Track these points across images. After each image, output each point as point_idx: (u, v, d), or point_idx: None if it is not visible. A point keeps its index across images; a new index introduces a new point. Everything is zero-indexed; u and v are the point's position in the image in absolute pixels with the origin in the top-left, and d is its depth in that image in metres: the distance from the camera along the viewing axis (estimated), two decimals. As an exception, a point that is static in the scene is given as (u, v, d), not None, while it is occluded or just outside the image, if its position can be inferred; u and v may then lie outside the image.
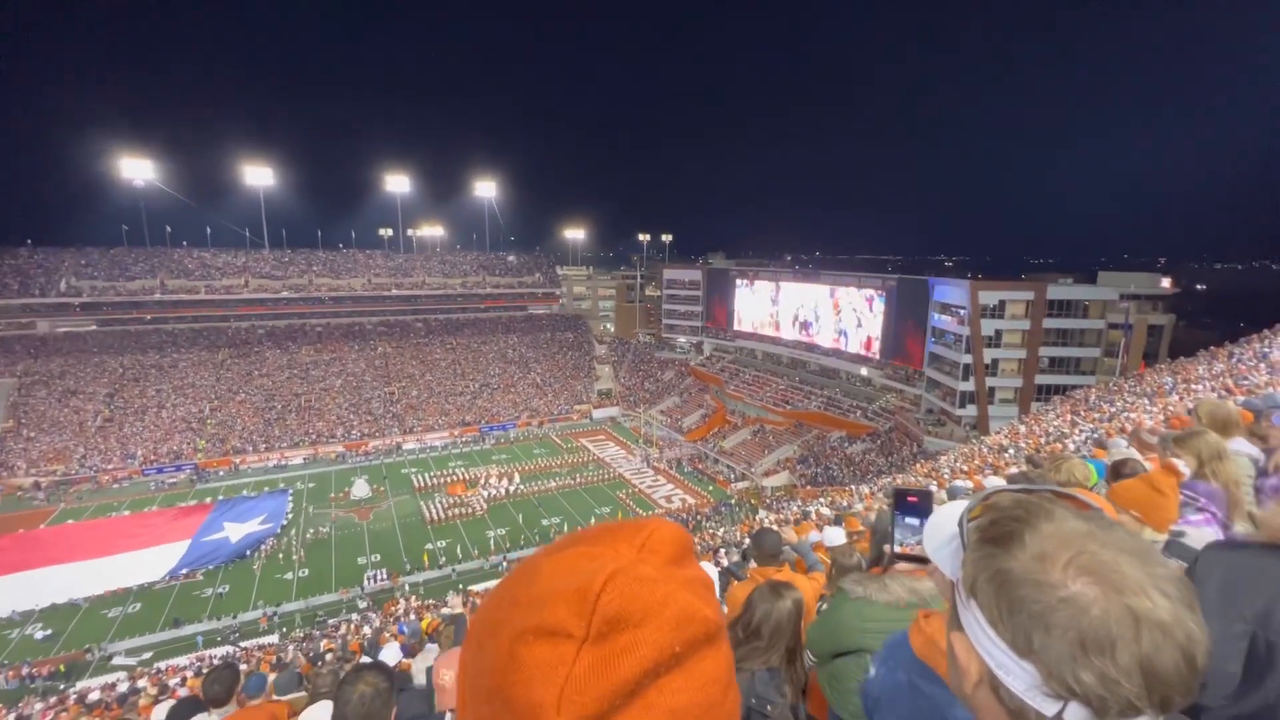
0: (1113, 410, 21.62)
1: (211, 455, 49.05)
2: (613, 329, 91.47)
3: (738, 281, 67.56)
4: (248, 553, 34.40)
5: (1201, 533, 2.38)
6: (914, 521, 1.40)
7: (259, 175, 68.48)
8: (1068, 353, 42.10)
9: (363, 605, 29.08)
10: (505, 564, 33.92)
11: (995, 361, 42.49)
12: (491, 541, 36.57)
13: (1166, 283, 43.23)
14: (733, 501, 43.14)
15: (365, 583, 31.92)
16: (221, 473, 47.73)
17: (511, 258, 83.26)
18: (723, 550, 15.81)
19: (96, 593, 30.60)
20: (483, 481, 44.50)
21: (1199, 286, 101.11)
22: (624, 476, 47.61)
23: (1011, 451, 18.68)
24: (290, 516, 39.01)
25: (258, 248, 70.42)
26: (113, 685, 21.56)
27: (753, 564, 3.80)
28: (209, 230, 70.70)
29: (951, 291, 44.66)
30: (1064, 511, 0.74)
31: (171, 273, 62.97)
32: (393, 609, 26.09)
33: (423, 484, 44.51)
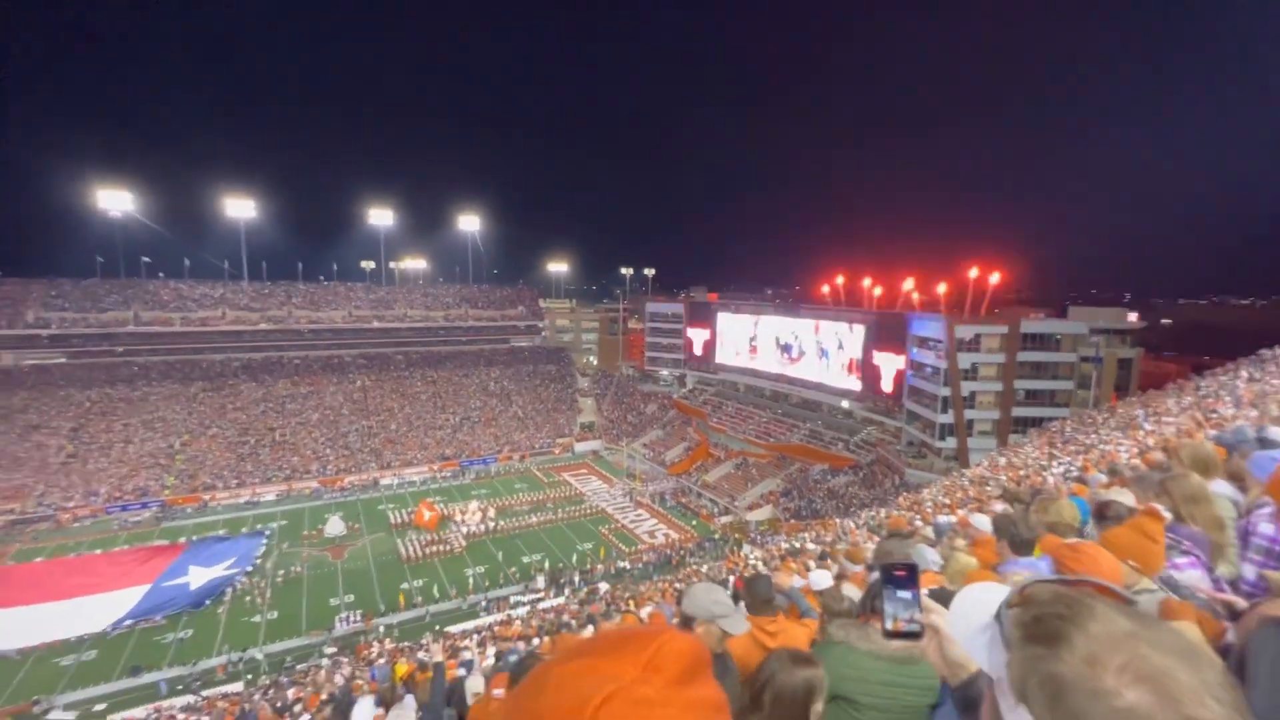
0: (1088, 442, 21.99)
1: (180, 492, 47.41)
2: (596, 362, 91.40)
3: (719, 315, 68.26)
4: (206, 602, 32.43)
5: (1188, 575, 2.39)
6: (905, 595, 1.37)
7: (240, 207, 68.12)
8: (1042, 385, 42.97)
9: (330, 650, 27.82)
10: (485, 604, 32.95)
11: (973, 394, 43.19)
12: (470, 580, 35.57)
13: (1133, 317, 44.60)
14: (716, 536, 42.67)
15: (337, 624, 30.70)
16: (189, 510, 46.08)
17: (494, 290, 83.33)
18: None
19: (32, 644, 28.49)
20: (458, 517, 43.40)
21: (1164, 321, 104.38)
22: (606, 511, 46.93)
23: (992, 484, 18.83)
24: (259, 560, 37.17)
25: (237, 280, 69.61)
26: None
27: (745, 612, 3.71)
28: (187, 262, 69.60)
29: (928, 325, 45.57)
30: (1107, 609, 0.71)
31: (146, 304, 61.85)
32: (365, 652, 25.07)
33: (399, 520, 43.40)
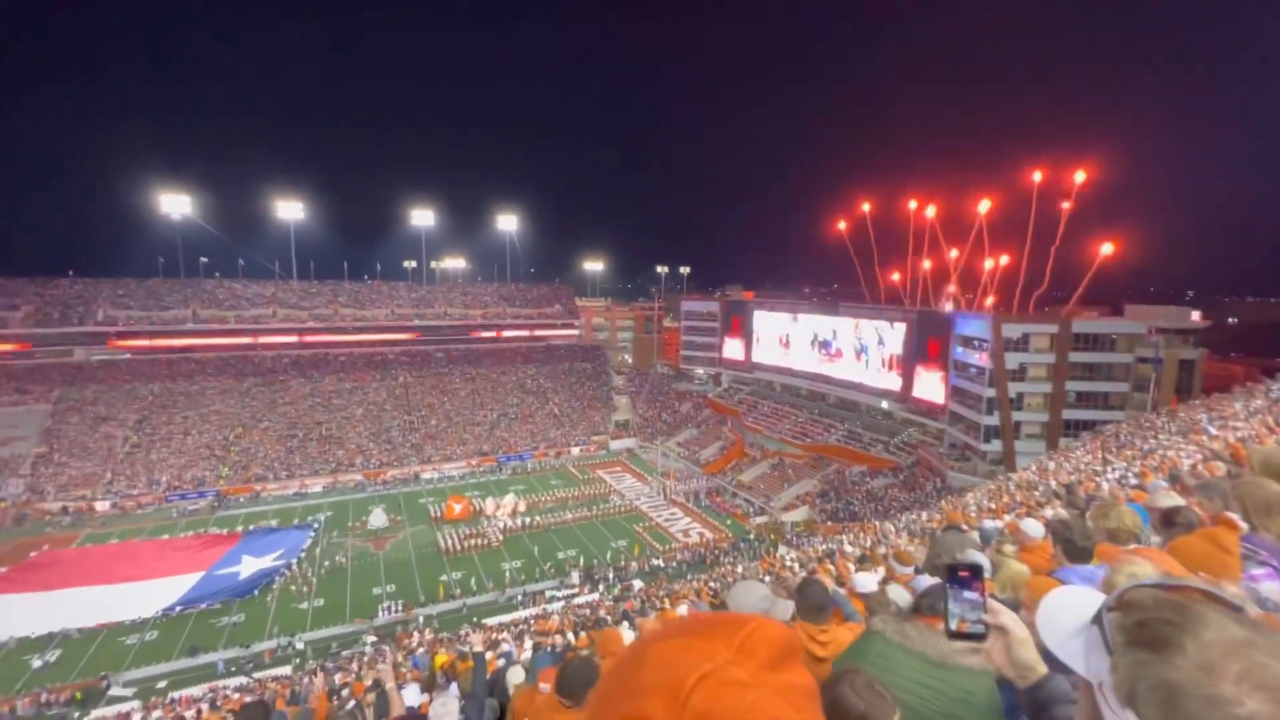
0: (1146, 448, 20.98)
1: (233, 482, 49.61)
2: (630, 360, 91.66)
3: (756, 313, 67.58)
4: (254, 591, 33.52)
5: (1267, 587, 2.28)
6: (971, 596, 1.35)
7: (290, 209, 70.78)
8: (1096, 387, 41.15)
9: (371, 640, 28.73)
10: (520, 598, 33.46)
11: (1020, 395, 41.66)
12: (507, 574, 36.18)
13: (1197, 316, 42.24)
14: (751, 537, 42.32)
15: (380, 613, 31.67)
16: (242, 500, 48.18)
17: (531, 289, 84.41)
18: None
19: (89, 625, 30.08)
20: (489, 510, 44.32)
21: (1231, 320, 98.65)
22: (641, 509, 47.06)
23: (1041, 489, 18.15)
24: (305, 551, 38.47)
25: (286, 279, 72.34)
26: (127, 715, 21.49)
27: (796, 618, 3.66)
28: (241, 262, 72.81)
29: (973, 324, 44.16)
30: (1218, 615, 0.71)
31: (203, 303, 64.84)
32: (406, 641, 25.81)
33: (439, 514, 44.43)
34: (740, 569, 28.18)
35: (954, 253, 52.24)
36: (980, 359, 42.64)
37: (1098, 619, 0.82)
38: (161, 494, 47.22)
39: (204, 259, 71.99)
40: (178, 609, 31.78)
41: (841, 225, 63.18)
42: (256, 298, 67.98)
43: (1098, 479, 15.76)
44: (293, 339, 66.93)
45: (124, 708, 23.36)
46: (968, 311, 48.03)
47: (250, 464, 51.93)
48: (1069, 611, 0.92)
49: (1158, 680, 0.68)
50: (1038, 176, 47.49)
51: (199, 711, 18.76)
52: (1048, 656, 1.12)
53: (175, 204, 66.27)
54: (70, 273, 63.40)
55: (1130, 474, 15.09)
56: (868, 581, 4.24)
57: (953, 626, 1.32)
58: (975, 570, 1.34)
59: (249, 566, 35.71)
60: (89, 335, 59.11)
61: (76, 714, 23.99)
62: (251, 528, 41.90)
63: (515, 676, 6.11)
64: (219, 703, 20.06)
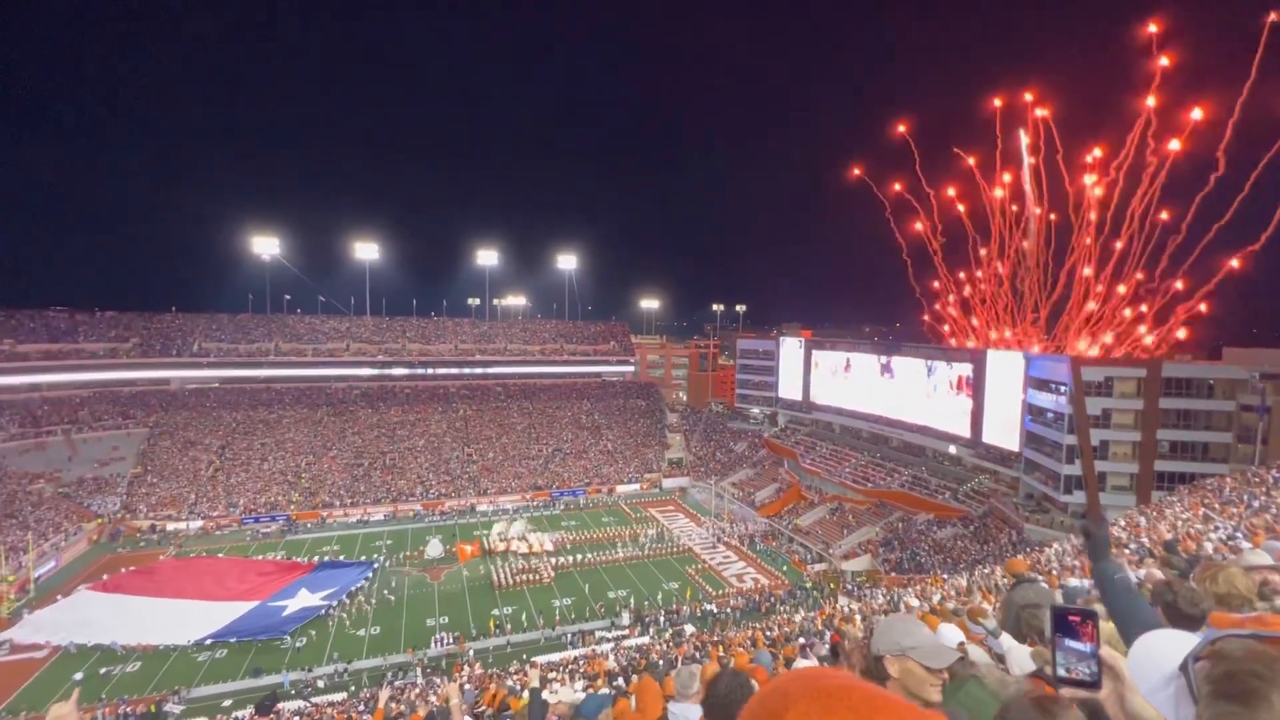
0: (1256, 504, 19.01)
1: (303, 508, 51.89)
2: (685, 397, 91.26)
3: (814, 352, 66.25)
4: (286, 634, 32.42)
5: None
6: (1078, 646, 1.27)
7: (367, 250, 75.57)
8: (1192, 436, 37.79)
9: (418, 670, 29.04)
10: (570, 637, 33.01)
11: (1105, 444, 38.72)
12: (557, 611, 35.90)
13: (1309, 361, 38.44)
14: (809, 585, 40.54)
15: (433, 645, 31.94)
16: (310, 525, 50.23)
17: (588, 326, 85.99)
18: (800, 639, 14.75)
19: (131, 644, 31.13)
20: (499, 547, 44.00)
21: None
22: (693, 550, 46.04)
23: (1132, 547, 16.66)
24: (356, 590, 37.68)
25: (360, 315, 76.66)
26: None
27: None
28: (321, 299, 77.97)
29: (1049, 367, 41.72)
30: None
31: (285, 337, 69.37)
32: (458, 673, 25.85)
33: (493, 547, 44.84)
34: (798, 618, 26.94)
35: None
36: (1057, 402, 40.07)
37: (1184, 667, 0.81)
38: (238, 516, 49.87)
39: (287, 296, 77.38)
40: (208, 641, 31.62)
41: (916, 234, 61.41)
42: (332, 332, 72.20)
43: (1200, 538, 14.38)
44: (363, 371, 70.44)
45: (192, 724, 24.28)
46: (1043, 354, 45.48)
47: (319, 491, 54.28)
48: (1159, 657, 0.90)
49: None
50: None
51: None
52: None
53: (265, 245, 71.93)
54: (173, 308, 69.41)
55: (1238, 533, 13.70)
56: (953, 634, 3.96)
57: (1061, 673, 1.24)
58: (1086, 615, 1.27)
59: (299, 602, 35.40)
60: (186, 364, 64.09)
61: (150, 727, 25.07)
62: (325, 558, 42.57)
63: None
64: (279, 725, 20.56)
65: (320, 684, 28.59)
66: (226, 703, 27.05)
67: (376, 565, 41.44)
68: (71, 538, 43.63)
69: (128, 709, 26.15)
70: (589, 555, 43.67)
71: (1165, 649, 0.90)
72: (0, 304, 60.02)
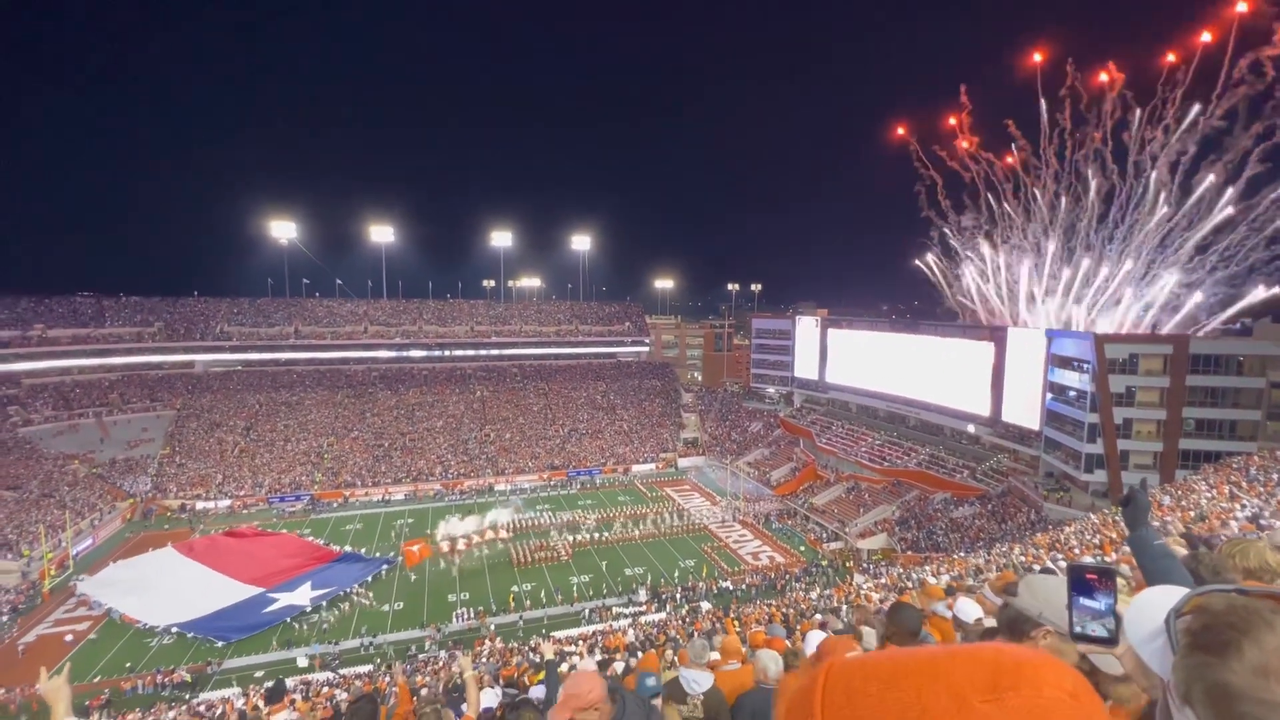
0: (1284, 484, 18.67)
1: (325, 487, 53.07)
2: (700, 377, 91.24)
3: (830, 331, 65.69)
4: (252, 632, 31.51)
5: None
6: (1094, 604, 1.28)
7: (382, 233, 75.98)
8: (1219, 414, 37.00)
9: (436, 646, 29.87)
10: (588, 613, 33.60)
11: (1128, 422, 38.09)
12: (575, 588, 36.53)
13: (1344, 336, 37.29)
14: (824, 563, 40.75)
15: (454, 620, 32.75)
16: (334, 504, 51.39)
17: (602, 306, 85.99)
18: (817, 616, 14.88)
19: (155, 623, 31.82)
20: (445, 549, 40.68)
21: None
22: (709, 529, 46.42)
23: (1156, 525, 16.50)
24: (362, 584, 36.57)
25: (377, 298, 77.37)
26: (229, 700, 23.20)
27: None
28: (338, 282, 78.85)
29: (1072, 344, 40.97)
30: None
31: (304, 320, 70.32)
32: (479, 648, 26.53)
33: (439, 548, 44.60)
34: (814, 595, 27.15)
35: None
36: (1080, 380, 39.43)
37: (1167, 621, 0.85)
38: (264, 495, 51.16)
39: (305, 280, 78.28)
40: (174, 629, 31.45)
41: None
42: (350, 315, 73.02)
43: (1227, 515, 14.20)
44: (381, 353, 71.32)
45: (226, 693, 25.26)
46: (1065, 330, 44.66)
47: (341, 471, 55.41)
48: (1151, 612, 0.94)
49: (1212, 682, 0.70)
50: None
51: (292, 701, 19.99)
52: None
53: (283, 229, 72.61)
54: (195, 292, 70.62)
55: (1265, 512, 13.50)
56: (970, 609, 3.97)
57: (1076, 630, 1.26)
58: (1104, 574, 1.27)
59: (291, 598, 34.27)
60: (208, 348, 65.36)
61: (187, 696, 26.14)
62: (347, 549, 41.18)
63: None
64: (310, 694, 21.31)
65: (328, 661, 29.15)
66: (259, 673, 28.07)
67: (387, 564, 39.21)
68: (106, 516, 45.16)
69: (164, 679, 27.24)
70: (605, 534, 44.23)
71: (1157, 603, 0.92)
72: (30, 291, 61.62)
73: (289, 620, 32.77)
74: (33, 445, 49.96)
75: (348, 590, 35.59)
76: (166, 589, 34.23)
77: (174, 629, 31.60)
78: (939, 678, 0.58)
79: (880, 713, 0.59)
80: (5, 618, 32.90)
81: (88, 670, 28.53)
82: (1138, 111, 44.75)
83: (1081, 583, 1.29)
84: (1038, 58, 50.98)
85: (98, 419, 55.66)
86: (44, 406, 54.38)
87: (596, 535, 43.91)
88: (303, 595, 34.78)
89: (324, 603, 34.20)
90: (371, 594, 35.69)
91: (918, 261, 62.66)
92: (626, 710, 2.86)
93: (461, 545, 41.26)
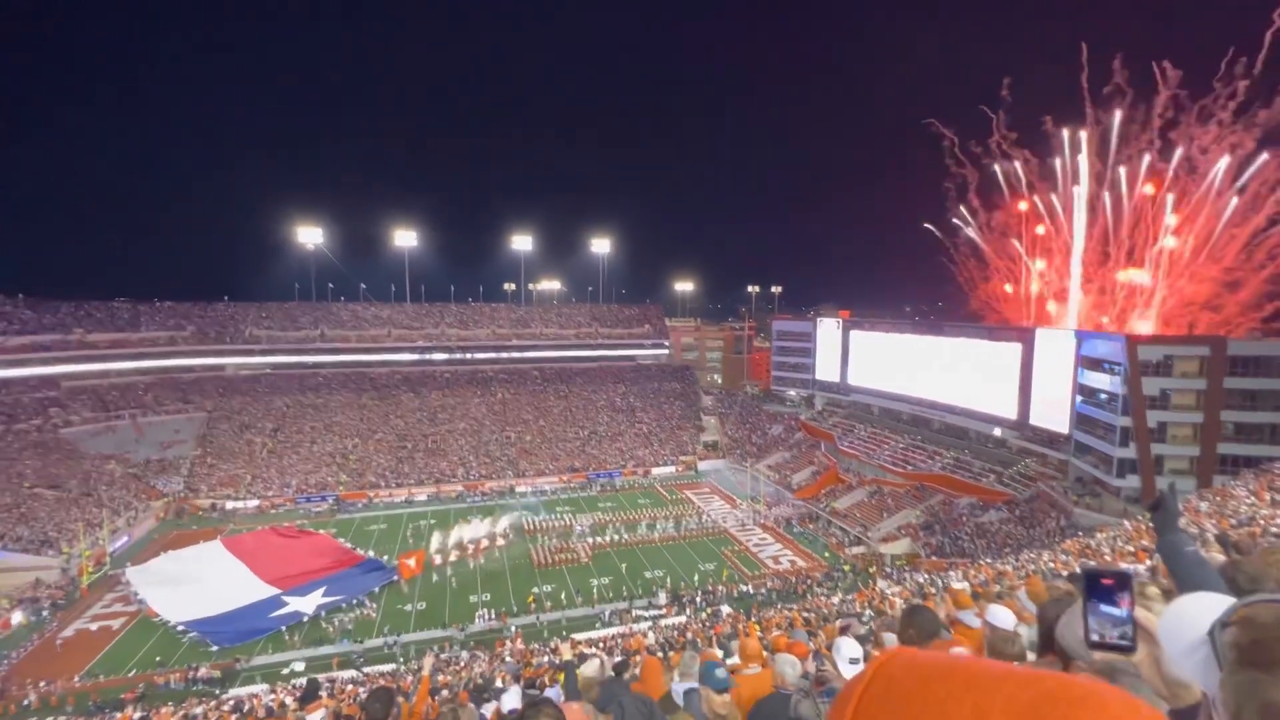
0: (1330, 490, 17.93)
1: (350, 488, 53.97)
2: (720, 380, 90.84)
3: (852, 333, 64.97)
4: (250, 638, 31.30)
5: None
6: (1111, 611, 1.24)
7: (405, 237, 77.14)
8: (1260, 418, 35.74)
9: (459, 646, 30.01)
10: (608, 615, 33.64)
11: (1162, 426, 36.99)
12: (595, 590, 36.58)
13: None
14: (846, 568, 40.23)
15: (476, 620, 33.03)
16: (359, 505, 52.22)
17: (622, 309, 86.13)
18: (840, 621, 14.70)
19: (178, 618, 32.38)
20: (436, 561, 39.25)
21: None
22: (729, 532, 46.16)
23: (1194, 532, 15.97)
24: (367, 596, 35.76)
25: (400, 301, 78.52)
26: (257, 695, 23.68)
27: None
28: (363, 286, 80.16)
29: (1103, 346, 39.96)
30: None
31: (330, 324, 71.64)
32: (500, 649, 26.73)
33: (531, 527, 45.83)
34: (836, 600, 26.83)
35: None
36: (1111, 382, 38.42)
37: (1211, 634, 0.81)
38: (291, 496, 52.20)
39: (331, 284, 79.75)
40: (180, 628, 31.89)
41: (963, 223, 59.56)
42: (374, 319, 74.20)
43: (1263, 523, 13.70)
44: (405, 356, 72.36)
45: (255, 689, 25.80)
46: (1095, 332, 43.58)
47: (365, 472, 56.31)
48: (1190, 621, 0.89)
49: (1266, 700, 0.66)
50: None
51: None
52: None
53: (309, 235, 74.12)
54: (225, 298, 72.41)
55: (1308, 519, 13.00)
56: (1004, 617, 3.87)
57: (1094, 638, 1.22)
58: (1121, 579, 1.24)
59: (300, 604, 33.96)
60: (238, 351, 66.91)
61: (217, 691, 26.76)
62: (370, 554, 40.40)
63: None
64: (335, 691, 21.65)
65: (350, 659, 29.50)
66: (286, 670, 28.63)
67: (395, 577, 37.78)
68: (141, 515, 46.50)
69: (194, 674, 27.92)
70: (625, 535, 44.25)
71: (1196, 613, 0.88)
72: (70, 296, 63.75)
73: (304, 620, 32.86)
74: (72, 446, 51.68)
75: (354, 601, 34.80)
76: (195, 583, 35.05)
77: (180, 626, 32.09)
78: (972, 689, 0.55)
79: (908, 710, 0.57)
80: (46, 612, 34.05)
81: (123, 664, 29.40)
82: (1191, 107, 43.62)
83: (1097, 588, 1.26)
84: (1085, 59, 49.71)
85: (133, 420, 57.36)
86: (82, 408, 56.21)
87: (616, 537, 43.95)
88: (311, 602, 34.10)
89: (323, 613, 33.49)
90: (376, 605, 34.74)
91: (944, 260, 61.68)
92: (625, 714, 2.87)
93: (454, 556, 40.22)
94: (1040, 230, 52.08)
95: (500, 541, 42.93)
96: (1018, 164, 53.31)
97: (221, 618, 32.56)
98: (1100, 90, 47.66)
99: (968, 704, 0.55)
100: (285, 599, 34.40)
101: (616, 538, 43.97)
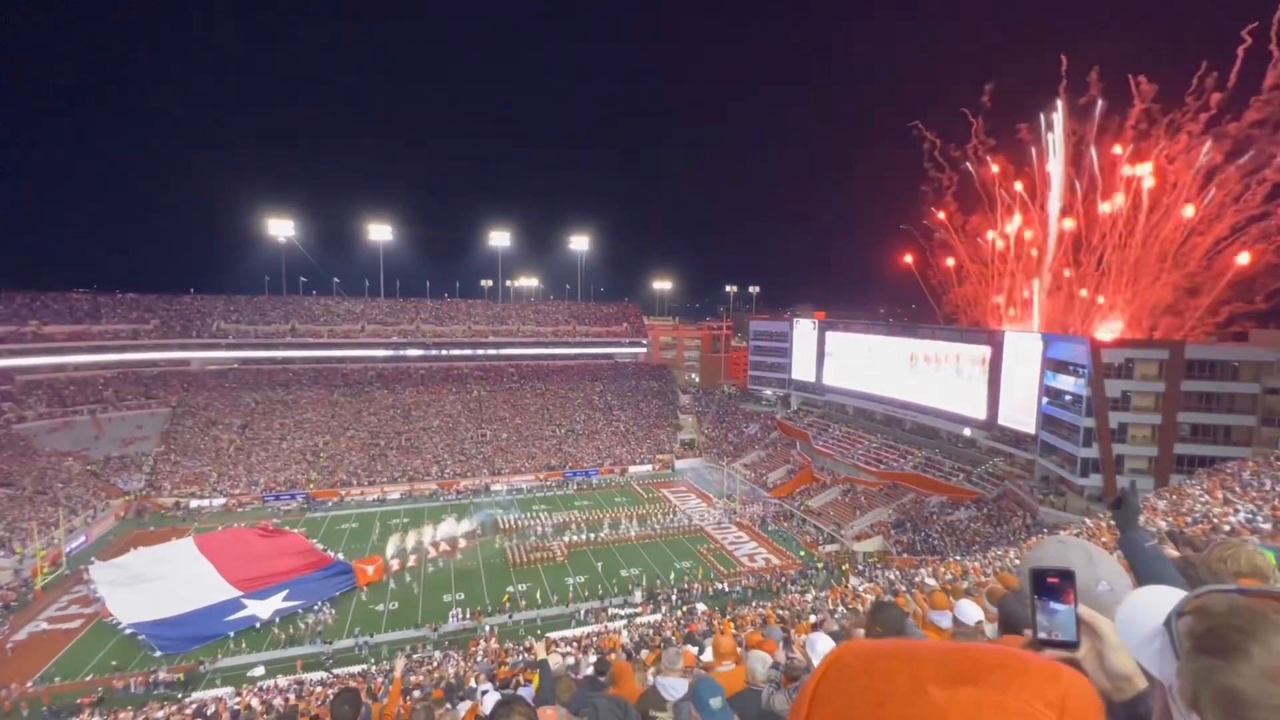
0: (1278, 489, 18.75)
1: (321, 486, 52.90)
2: (697, 379, 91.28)
3: (827, 334, 65.80)
4: (203, 641, 30.46)
5: None
6: (1058, 606, 1.27)
7: (380, 231, 75.87)
8: (1214, 419, 37.17)
9: (431, 646, 29.64)
10: (583, 614, 33.57)
11: (1124, 426, 38.23)
12: (570, 589, 36.47)
13: (1339, 343, 37.50)
14: (820, 565, 40.77)
15: (450, 620, 32.66)
16: (330, 503, 51.22)
17: (600, 307, 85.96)
18: (813, 617, 14.88)
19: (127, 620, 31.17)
20: (395, 567, 38.05)
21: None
22: (705, 531, 46.40)
23: (1151, 529, 16.53)
24: (325, 602, 34.46)
25: (374, 296, 77.22)
26: (221, 699, 23.10)
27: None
28: (336, 280, 78.69)
29: (1069, 348, 41.11)
30: None
31: (301, 318, 70.14)
32: (474, 648, 26.48)
33: (507, 525, 45.50)
34: (810, 597, 27.15)
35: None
36: (1076, 384, 39.57)
37: (1168, 623, 0.82)
38: (259, 494, 50.97)
39: (303, 278, 78.08)
40: (128, 630, 30.85)
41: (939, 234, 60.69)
42: (347, 314, 72.87)
43: (1216, 520, 14.26)
44: (378, 352, 71.16)
45: (219, 692, 25.14)
46: (1061, 334, 44.81)
47: (337, 469, 55.26)
48: (1146, 613, 0.91)
49: (1221, 686, 0.68)
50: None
51: (286, 700, 19.91)
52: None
53: (280, 227, 72.44)
54: (191, 290, 70.35)
55: (1259, 517, 13.56)
56: (971, 611, 3.94)
57: (1041, 635, 1.25)
58: (1065, 576, 1.27)
59: (260, 607, 32.88)
60: (204, 345, 65.10)
61: (179, 694, 26.01)
62: (340, 557, 38.76)
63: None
64: (303, 693, 21.23)
65: (318, 660, 28.96)
66: (254, 671, 27.95)
67: (350, 586, 36.50)
68: (100, 514, 44.93)
69: (157, 677, 27.09)
70: (602, 534, 44.20)
71: (1153, 604, 0.91)
72: (25, 287, 61.24)
73: (257, 626, 31.70)
74: (27, 442, 49.70)
75: (314, 606, 33.62)
76: (157, 581, 33.85)
77: (128, 629, 30.87)
78: (910, 662, 0.60)
79: (854, 692, 0.61)
80: (-3, 615, 32.73)
81: (80, 668, 28.39)
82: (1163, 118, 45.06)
83: (1043, 586, 1.29)
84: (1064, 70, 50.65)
85: (92, 416, 55.41)
86: (38, 403, 54.11)
87: (592, 536, 43.87)
88: (269, 606, 32.96)
89: (278, 619, 32.38)
90: (334, 610, 33.60)
91: (913, 263, 62.87)
92: (600, 716, 2.86)
93: (411, 561, 38.78)
94: (1016, 232, 53.28)
95: (462, 544, 41.84)
96: (994, 168, 54.46)
97: (173, 620, 31.21)
98: (1077, 100, 48.92)
99: (905, 675, 0.60)
100: (245, 601, 33.09)
101: (592, 536, 43.88)
